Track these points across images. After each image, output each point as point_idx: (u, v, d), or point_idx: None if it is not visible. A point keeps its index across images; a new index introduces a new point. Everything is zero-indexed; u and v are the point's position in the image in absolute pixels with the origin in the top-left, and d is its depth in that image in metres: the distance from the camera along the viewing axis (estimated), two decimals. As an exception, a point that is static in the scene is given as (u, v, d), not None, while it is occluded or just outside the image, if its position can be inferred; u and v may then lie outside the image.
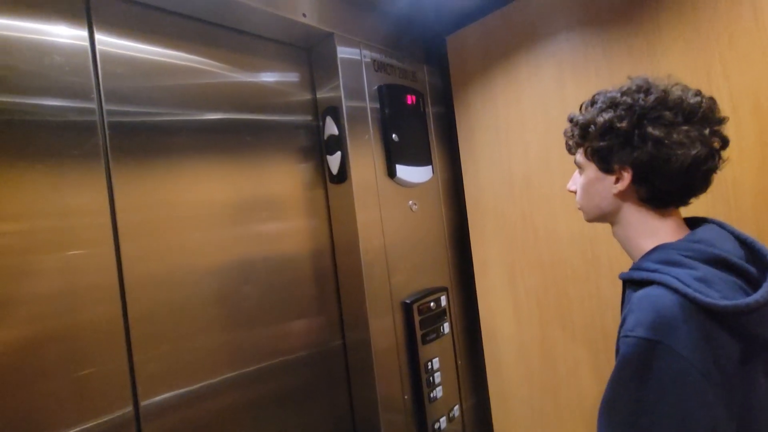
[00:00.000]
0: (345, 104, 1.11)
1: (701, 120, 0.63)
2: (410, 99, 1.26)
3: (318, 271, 1.17)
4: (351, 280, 1.15)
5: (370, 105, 1.17)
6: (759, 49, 0.87)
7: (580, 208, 0.77)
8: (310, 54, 1.19)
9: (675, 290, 0.57)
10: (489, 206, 1.33)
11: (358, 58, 1.18)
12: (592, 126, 0.68)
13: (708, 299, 0.54)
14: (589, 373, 1.14)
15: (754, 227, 0.87)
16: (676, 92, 0.64)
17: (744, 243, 0.66)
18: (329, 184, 1.17)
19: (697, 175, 0.64)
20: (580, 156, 0.73)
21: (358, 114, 1.14)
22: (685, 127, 0.62)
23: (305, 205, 1.16)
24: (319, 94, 1.18)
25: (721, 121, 0.64)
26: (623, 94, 0.66)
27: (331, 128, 1.12)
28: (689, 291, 0.55)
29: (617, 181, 0.68)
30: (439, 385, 1.23)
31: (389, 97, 1.19)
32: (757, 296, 0.54)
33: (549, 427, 1.24)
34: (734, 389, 0.54)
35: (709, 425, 0.53)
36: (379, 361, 1.13)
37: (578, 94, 1.10)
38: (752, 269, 0.60)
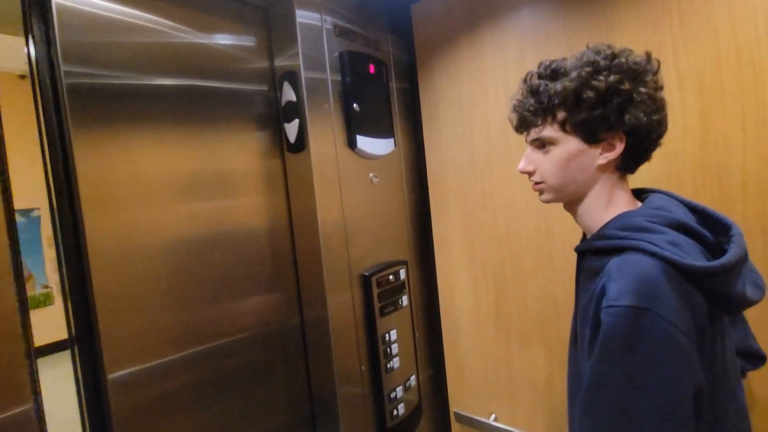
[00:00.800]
0: (303, 70, 1.06)
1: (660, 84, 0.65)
2: (373, 68, 1.23)
3: (275, 242, 1.14)
4: (309, 251, 1.13)
5: (330, 72, 1.13)
6: (706, 31, 0.90)
7: (542, 188, 0.71)
8: (268, 15, 1.13)
9: (653, 254, 0.56)
10: (451, 182, 1.34)
11: (319, 23, 1.13)
12: (589, 92, 0.61)
13: (688, 261, 0.55)
14: (539, 344, 1.19)
15: (694, 199, 0.92)
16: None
17: (694, 210, 0.68)
18: (287, 154, 1.13)
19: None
20: (550, 130, 0.66)
21: (317, 80, 1.10)
22: (660, 91, 0.64)
23: (262, 176, 1.12)
24: (277, 62, 1.13)
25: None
26: (605, 58, 0.63)
27: (289, 94, 1.08)
28: (667, 254, 0.56)
29: (605, 150, 0.64)
30: (396, 356, 1.25)
31: (351, 64, 1.16)
32: (729, 257, 0.57)
33: (501, 397, 1.29)
34: (705, 345, 0.57)
35: (692, 385, 0.54)
36: (336, 337, 1.12)
37: (538, 69, 1.11)
38: (708, 234, 0.62)
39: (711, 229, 0.65)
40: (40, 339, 4.67)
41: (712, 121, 0.90)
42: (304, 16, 1.09)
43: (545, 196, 0.71)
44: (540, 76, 0.68)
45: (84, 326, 0.83)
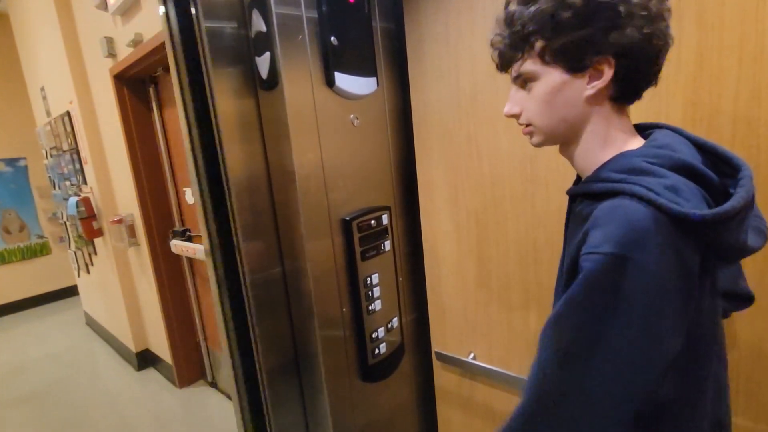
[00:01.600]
0: (274, -3, 0.98)
1: None
2: (352, -3, 1.13)
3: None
4: (286, 195, 1.11)
5: (304, 1, 1.04)
6: (713, -49, 0.82)
7: (531, 131, 0.65)
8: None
9: (648, 201, 0.51)
10: (435, 124, 1.29)
11: (292, -57, 1.02)
12: (565, 12, 0.54)
13: (683, 210, 0.50)
14: (517, 287, 1.20)
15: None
16: None
17: (703, 148, 0.62)
18: (260, 91, 1.07)
19: (664, 58, 0.59)
20: (529, 64, 0.60)
21: (289, 8, 1.01)
22: None
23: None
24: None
25: None
26: None
27: (258, 24, 1.00)
28: (663, 201, 0.51)
29: (592, 79, 0.58)
30: (378, 299, 1.26)
31: (327, -8, 1.06)
32: (732, 203, 0.51)
33: (480, 337, 1.32)
34: (690, 301, 0.53)
35: (668, 342, 0.52)
36: (316, 281, 1.13)
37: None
38: (714, 176, 0.57)
39: (718, 170, 0.59)
40: (40, 288, 4.77)
41: (708, 56, 0.84)
42: (274, -65, 0.98)
43: (535, 140, 0.65)
44: (517, 2, 0.60)
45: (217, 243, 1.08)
